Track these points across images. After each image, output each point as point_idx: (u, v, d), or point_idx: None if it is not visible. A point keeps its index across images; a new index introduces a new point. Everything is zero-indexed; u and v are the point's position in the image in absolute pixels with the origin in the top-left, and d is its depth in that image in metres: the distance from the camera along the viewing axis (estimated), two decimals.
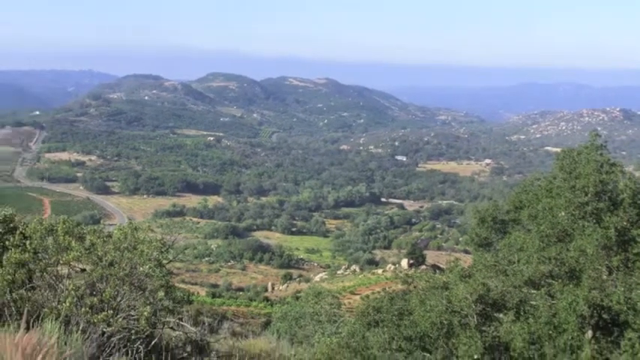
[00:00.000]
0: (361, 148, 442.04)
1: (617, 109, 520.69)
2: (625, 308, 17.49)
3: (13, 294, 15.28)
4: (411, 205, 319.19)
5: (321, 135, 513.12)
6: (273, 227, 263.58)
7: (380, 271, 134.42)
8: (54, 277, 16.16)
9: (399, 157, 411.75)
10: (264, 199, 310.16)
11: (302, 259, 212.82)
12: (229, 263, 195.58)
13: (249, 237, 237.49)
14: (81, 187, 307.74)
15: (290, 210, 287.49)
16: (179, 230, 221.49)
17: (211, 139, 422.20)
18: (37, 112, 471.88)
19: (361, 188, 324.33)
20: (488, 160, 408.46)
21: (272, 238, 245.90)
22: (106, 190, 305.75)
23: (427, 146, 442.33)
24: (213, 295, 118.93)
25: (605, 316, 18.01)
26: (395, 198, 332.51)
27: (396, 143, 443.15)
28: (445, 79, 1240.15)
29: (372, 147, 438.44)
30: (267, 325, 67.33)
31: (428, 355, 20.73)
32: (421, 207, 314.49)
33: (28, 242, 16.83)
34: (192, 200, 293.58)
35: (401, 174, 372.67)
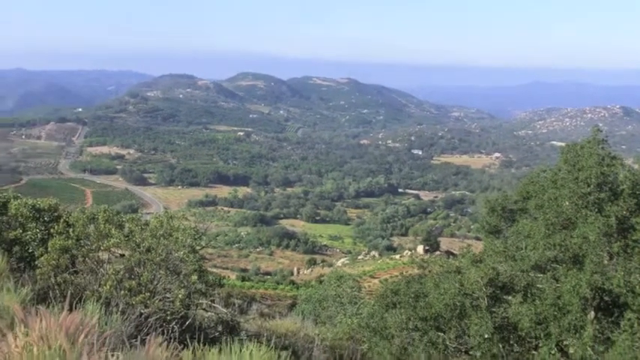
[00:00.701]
0: (380, 142, 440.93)
1: (618, 106, 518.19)
2: (624, 291, 17.51)
3: (58, 278, 15.41)
4: (426, 196, 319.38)
5: (343, 130, 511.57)
6: (298, 216, 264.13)
7: (397, 256, 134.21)
8: (95, 262, 16.28)
9: (415, 151, 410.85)
10: (290, 189, 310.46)
11: (325, 245, 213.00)
12: (258, 249, 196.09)
13: (276, 225, 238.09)
14: (120, 179, 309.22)
15: (314, 200, 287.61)
16: (211, 219, 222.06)
17: (241, 134, 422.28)
18: (80, 109, 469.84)
19: (380, 180, 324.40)
20: (497, 154, 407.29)
21: (297, 225, 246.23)
22: (143, 182, 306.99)
23: (441, 141, 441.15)
24: (243, 279, 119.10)
25: (606, 298, 18.02)
26: (411, 189, 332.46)
27: (412, 138, 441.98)
28: (458, 78, 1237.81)
29: (390, 141, 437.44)
30: (292, 306, 67.29)
31: (442, 334, 20.74)
32: (436, 197, 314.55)
33: (71, 230, 16.98)
34: (223, 191, 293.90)
35: (417, 166, 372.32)
